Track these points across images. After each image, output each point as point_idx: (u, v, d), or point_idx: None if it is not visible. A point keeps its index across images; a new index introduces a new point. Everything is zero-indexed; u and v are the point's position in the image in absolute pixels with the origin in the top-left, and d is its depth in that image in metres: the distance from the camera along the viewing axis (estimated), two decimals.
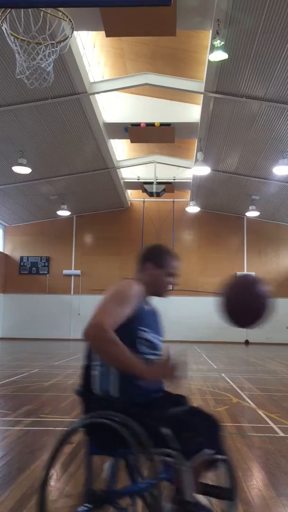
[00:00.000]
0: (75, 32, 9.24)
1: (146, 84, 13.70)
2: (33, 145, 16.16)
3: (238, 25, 10.05)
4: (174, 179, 21.39)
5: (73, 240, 26.22)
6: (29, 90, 11.89)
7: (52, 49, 7.51)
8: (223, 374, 10.34)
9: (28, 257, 26.18)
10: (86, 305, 25.44)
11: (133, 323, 2.26)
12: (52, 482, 3.40)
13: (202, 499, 2.31)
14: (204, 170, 16.64)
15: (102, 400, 2.22)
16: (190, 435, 2.13)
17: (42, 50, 7.41)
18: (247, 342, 24.14)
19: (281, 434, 5.02)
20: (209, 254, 25.57)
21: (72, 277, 25.98)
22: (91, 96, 13.71)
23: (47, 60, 7.56)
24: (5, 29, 6.99)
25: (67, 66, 11.81)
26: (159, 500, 2.08)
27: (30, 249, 26.26)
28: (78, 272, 25.84)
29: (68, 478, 3.52)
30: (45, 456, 4.02)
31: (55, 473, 3.61)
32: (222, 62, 11.07)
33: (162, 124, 15.45)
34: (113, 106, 15.87)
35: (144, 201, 25.31)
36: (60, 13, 7.22)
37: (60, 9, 7.17)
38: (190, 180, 20.98)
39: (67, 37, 7.52)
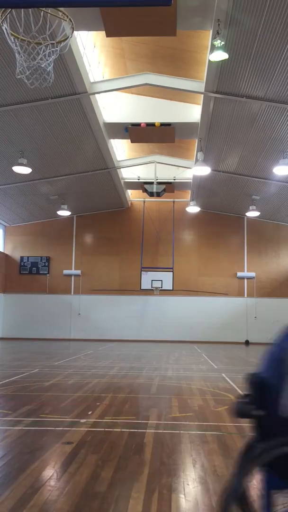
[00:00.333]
0: (75, 32, 9.25)
1: (146, 84, 13.70)
2: (33, 145, 16.16)
3: (239, 25, 10.05)
4: (174, 179, 21.39)
5: (73, 240, 26.23)
6: (29, 90, 11.90)
7: (52, 49, 7.51)
8: (223, 374, 10.33)
9: (28, 257, 26.19)
10: (86, 305, 25.50)
11: None
12: (52, 482, 3.40)
13: None
14: (204, 170, 16.62)
15: None
16: None
17: (42, 50, 7.41)
18: (247, 342, 24.15)
19: None
20: (209, 254, 25.56)
21: (72, 277, 25.98)
22: (91, 96, 13.71)
23: (47, 60, 7.56)
24: (5, 29, 6.99)
25: (67, 66, 11.82)
26: None
27: (30, 249, 26.26)
28: (78, 272, 25.84)
29: (68, 478, 3.52)
30: (45, 456, 4.02)
31: (55, 473, 3.61)
32: (223, 62, 11.08)
33: (162, 124, 15.46)
34: (113, 106, 15.87)
35: (144, 201, 25.31)
36: (60, 13, 7.23)
37: (60, 9, 7.18)
38: (190, 180, 20.99)
39: (67, 37, 7.53)
